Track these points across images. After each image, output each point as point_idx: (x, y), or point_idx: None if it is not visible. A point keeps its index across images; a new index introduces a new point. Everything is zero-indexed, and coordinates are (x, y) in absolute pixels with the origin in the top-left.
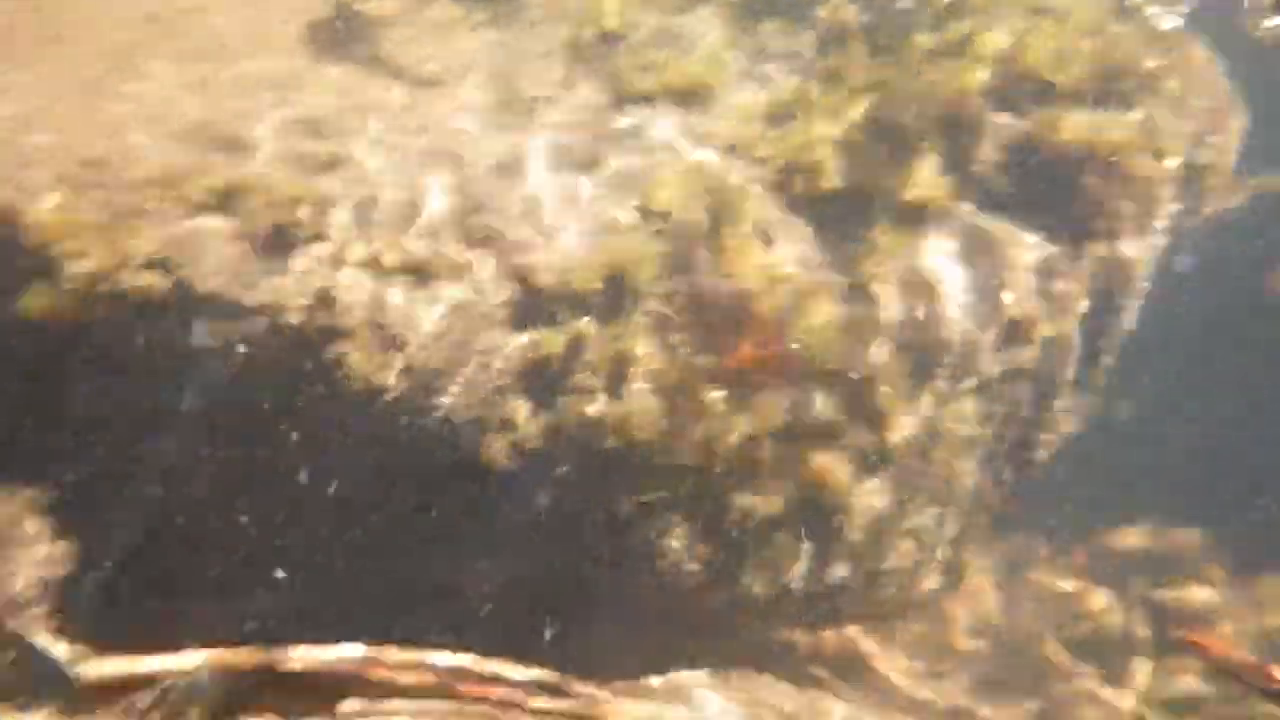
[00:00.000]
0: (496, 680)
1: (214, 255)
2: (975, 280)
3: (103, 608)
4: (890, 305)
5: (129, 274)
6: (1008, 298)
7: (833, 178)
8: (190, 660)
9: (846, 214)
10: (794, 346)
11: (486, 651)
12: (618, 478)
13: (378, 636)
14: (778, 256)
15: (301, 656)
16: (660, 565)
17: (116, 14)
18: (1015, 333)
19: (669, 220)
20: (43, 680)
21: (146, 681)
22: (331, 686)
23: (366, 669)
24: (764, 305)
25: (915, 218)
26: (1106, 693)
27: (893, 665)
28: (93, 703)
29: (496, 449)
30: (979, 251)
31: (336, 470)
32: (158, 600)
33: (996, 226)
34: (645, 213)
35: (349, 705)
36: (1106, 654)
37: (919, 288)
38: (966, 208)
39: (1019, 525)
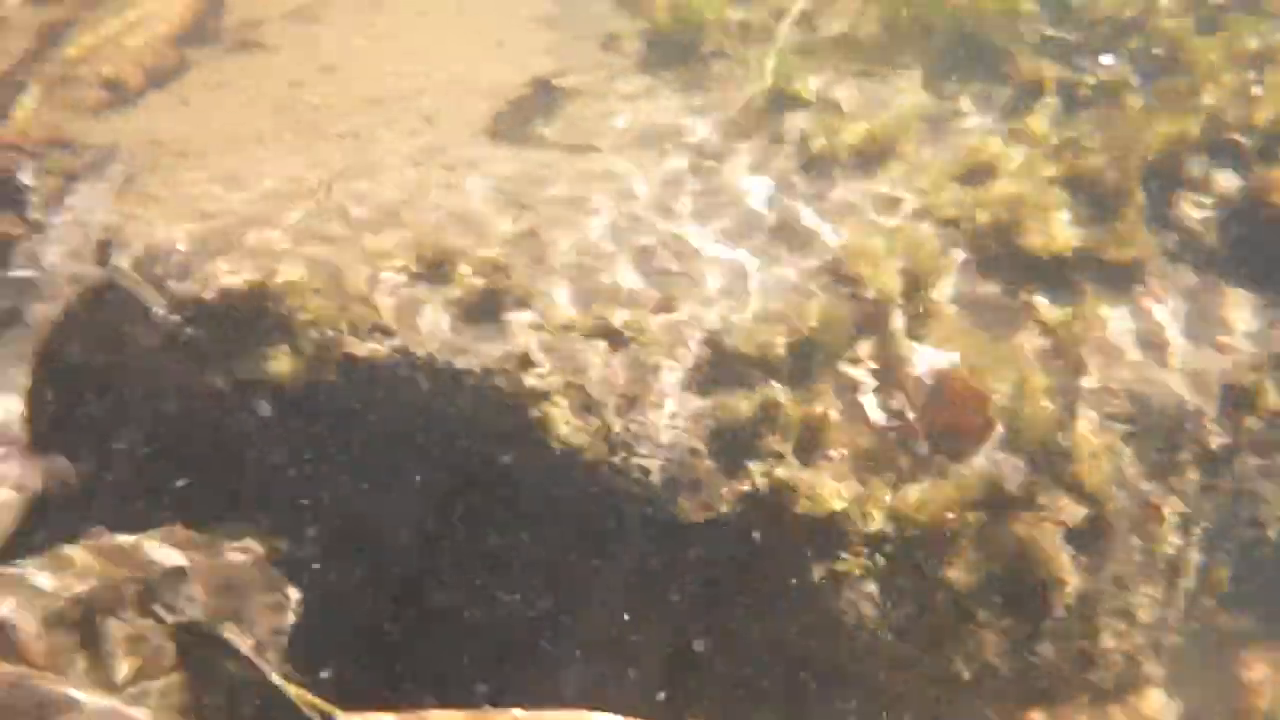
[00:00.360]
0: None
1: (429, 321)
2: (1191, 344)
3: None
4: (1097, 371)
5: (357, 341)
6: (1228, 364)
7: (1031, 238)
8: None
9: (1048, 275)
10: (994, 414)
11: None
12: (810, 544)
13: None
14: (974, 321)
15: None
16: (855, 635)
17: (347, 98)
18: (1238, 401)
19: (860, 284)
20: None
21: None
22: None
23: None
24: (961, 372)
25: (1122, 279)
26: None
27: None
28: None
29: (690, 511)
30: (1194, 315)
31: (537, 529)
32: (380, 657)
33: (1213, 288)
34: (836, 276)
35: None
36: None
37: (1128, 352)
38: (1179, 268)
39: (1244, 608)
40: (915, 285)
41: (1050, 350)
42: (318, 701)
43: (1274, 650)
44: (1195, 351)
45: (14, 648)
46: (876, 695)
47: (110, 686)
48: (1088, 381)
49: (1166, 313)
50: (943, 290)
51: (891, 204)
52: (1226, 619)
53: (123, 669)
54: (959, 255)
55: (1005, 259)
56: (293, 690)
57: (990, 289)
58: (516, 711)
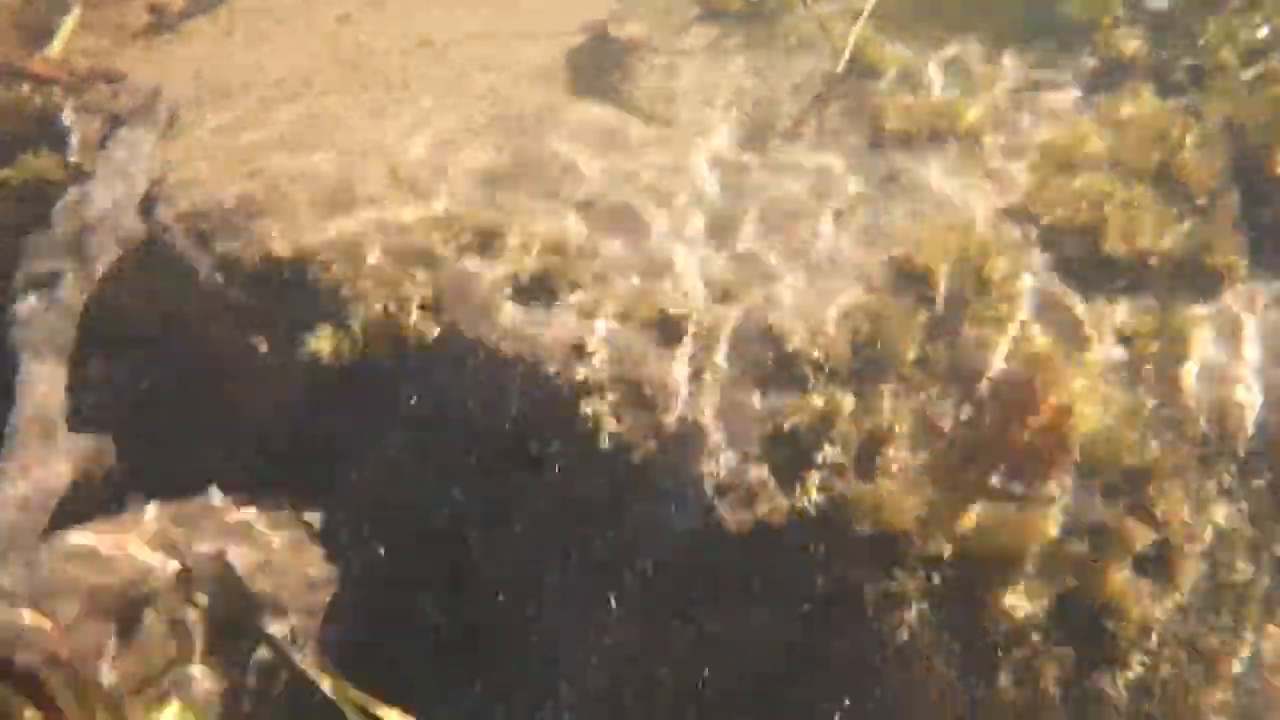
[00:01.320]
0: None
1: (477, 300)
2: (1278, 363)
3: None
4: (1177, 389)
5: (405, 318)
6: None
7: (1115, 240)
8: None
9: (1131, 282)
10: (1068, 433)
11: None
12: (865, 562)
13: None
14: (1049, 329)
15: None
16: (906, 659)
17: (398, 38)
18: None
19: (930, 281)
20: None
21: None
22: None
23: None
24: (1035, 385)
25: (1210, 287)
26: None
27: None
28: None
29: (740, 521)
30: None
31: (581, 529)
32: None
33: None
34: (903, 272)
35: None
36: None
37: (1211, 369)
38: (1271, 277)
39: None
40: (987, 284)
41: (1127, 364)
42: (355, 694)
43: None
44: None
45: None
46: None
47: (147, 673)
48: (1166, 398)
49: (1254, 325)
50: (1017, 292)
51: (966, 191)
52: None
53: (159, 656)
54: (1036, 254)
55: (1086, 261)
56: (329, 682)
57: (1068, 293)
58: None
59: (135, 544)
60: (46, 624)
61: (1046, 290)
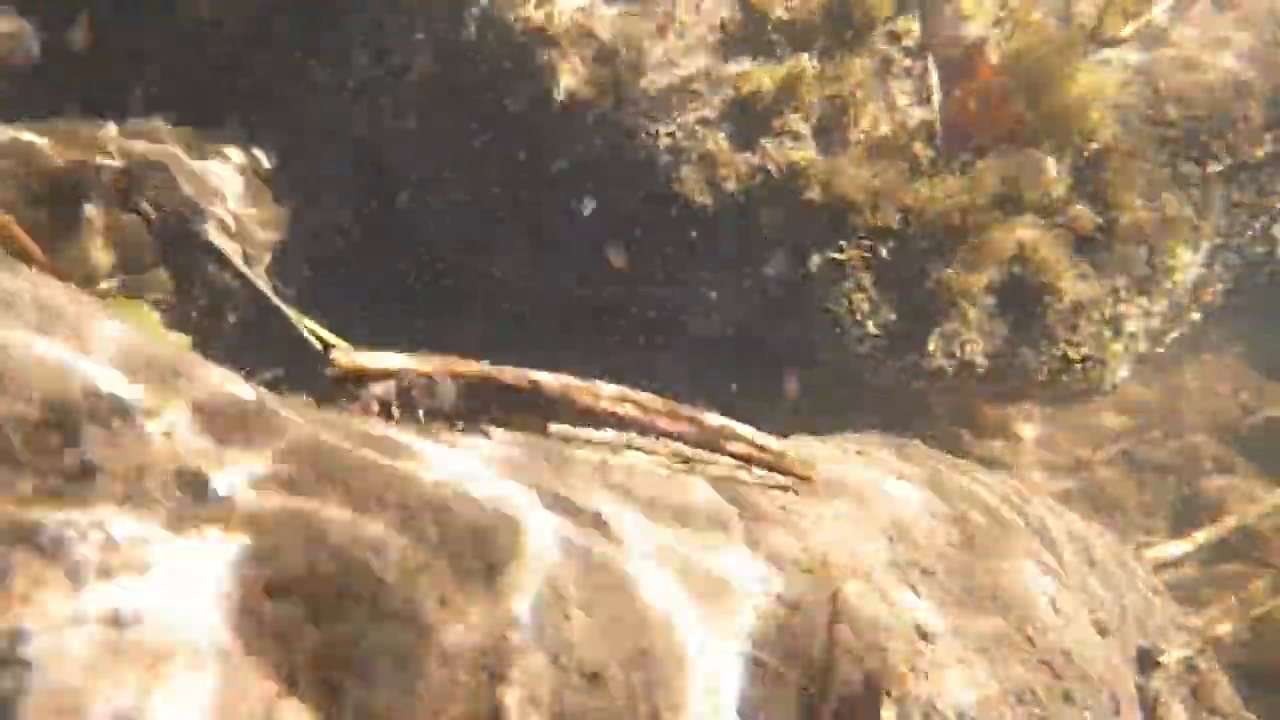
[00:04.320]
0: (693, 422)
1: None
2: (1250, 43)
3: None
4: (1148, 68)
5: None
6: None
7: None
8: (428, 364)
9: None
10: (1027, 107)
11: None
12: (813, 229)
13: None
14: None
15: (522, 375)
16: (842, 324)
17: None
18: None
19: None
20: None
21: (385, 376)
22: (545, 408)
23: (580, 397)
24: (999, 56)
25: None
26: (1260, 490)
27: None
28: (336, 391)
29: (693, 183)
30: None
31: (529, 185)
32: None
33: None
34: None
35: (557, 428)
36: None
37: (1178, 44)
38: None
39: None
40: None
41: (1093, 38)
42: (317, 328)
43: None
44: (1254, 53)
45: None
46: (858, 383)
47: (91, 274)
48: (1133, 78)
49: None
50: None
51: None
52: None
53: (103, 258)
54: None
55: None
56: (292, 312)
57: None
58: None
59: (74, 142)
60: None
61: None
